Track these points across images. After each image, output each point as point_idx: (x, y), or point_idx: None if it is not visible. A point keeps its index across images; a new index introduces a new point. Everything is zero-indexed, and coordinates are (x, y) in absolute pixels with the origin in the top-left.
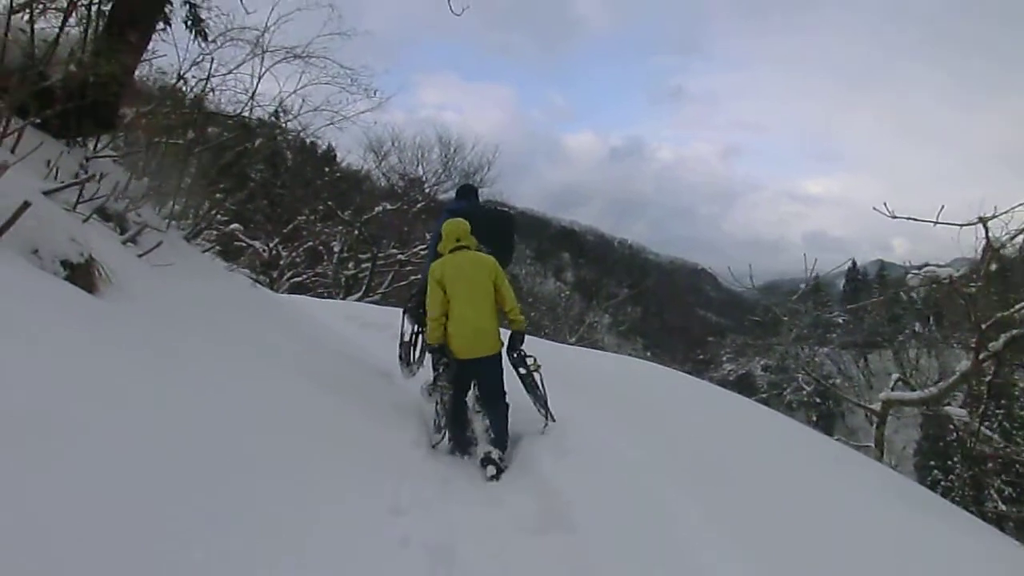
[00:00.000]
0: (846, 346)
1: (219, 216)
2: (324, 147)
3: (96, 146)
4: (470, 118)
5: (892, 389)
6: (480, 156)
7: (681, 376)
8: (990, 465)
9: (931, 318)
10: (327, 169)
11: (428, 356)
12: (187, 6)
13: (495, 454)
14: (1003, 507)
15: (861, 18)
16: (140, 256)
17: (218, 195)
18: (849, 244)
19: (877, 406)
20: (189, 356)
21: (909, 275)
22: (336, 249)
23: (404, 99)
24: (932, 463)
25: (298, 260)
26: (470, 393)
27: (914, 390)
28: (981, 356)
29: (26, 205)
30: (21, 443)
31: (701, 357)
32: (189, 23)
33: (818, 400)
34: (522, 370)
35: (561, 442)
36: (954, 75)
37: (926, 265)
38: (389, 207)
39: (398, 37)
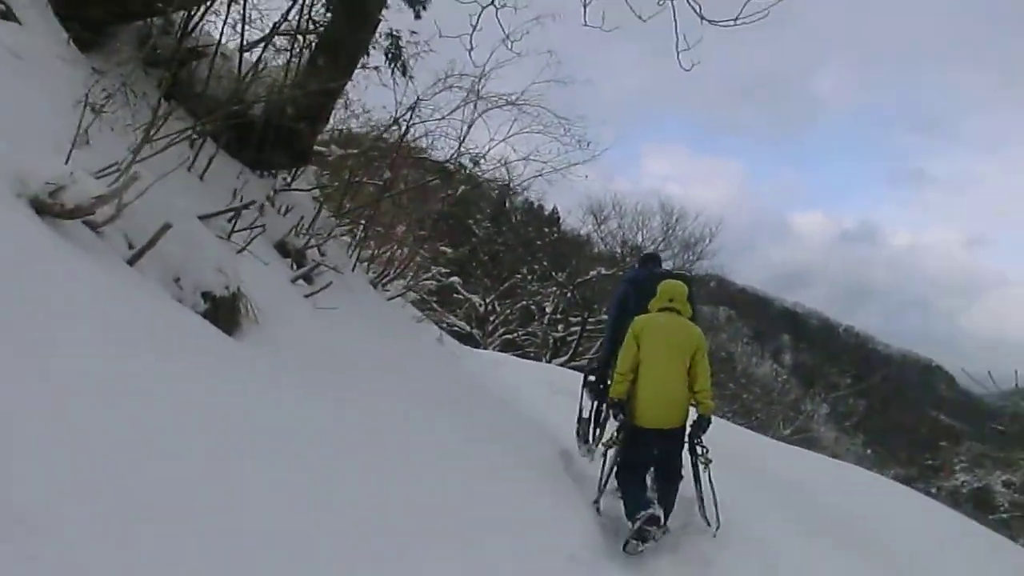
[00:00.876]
0: None
1: (434, 267)
2: (549, 209)
3: (292, 179)
4: (695, 191)
5: None
6: (702, 227)
7: (924, 500)
8: None
9: None
10: (547, 230)
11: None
12: (390, 38)
13: (659, 514)
14: None
15: None
16: (307, 296)
17: (436, 245)
18: None
19: None
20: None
21: None
22: (548, 310)
23: (629, 169)
24: None
25: (511, 317)
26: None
27: None
28: None
29: (167, 227)
30: None
31: (930, 462)
32: (389, 56)
33: None
34: (695, 459)
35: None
36: None
37: None
38: (604, 272)
39: (625, 106)
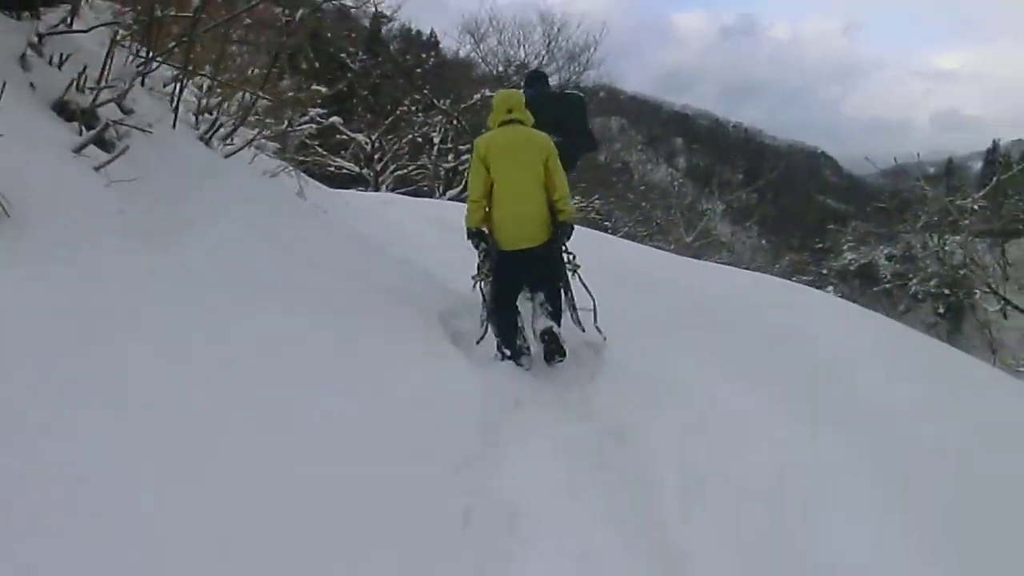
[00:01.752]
0: (981, 234)
1: (311, 109)
2: (427, 33)
3: (71, 18)
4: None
5: None
6: (586, 36)
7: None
8: None
9: None
10: (425, 55)
11: None
12: None
13: (555, 328)
14: None
15: None
16: (98, 169)
17: (308, 84)
18: (985, 123)
19: None
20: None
21: None
22: (436, 141)
23: None
24: None
25: (401, 152)
26: (523, 296)
27: None
28: None
29: None
30: None
31: (820, 245)
32: None
33: (946, 292)
34: (561, 269)
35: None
36: None
37: None
38: (489, 94)
39: None
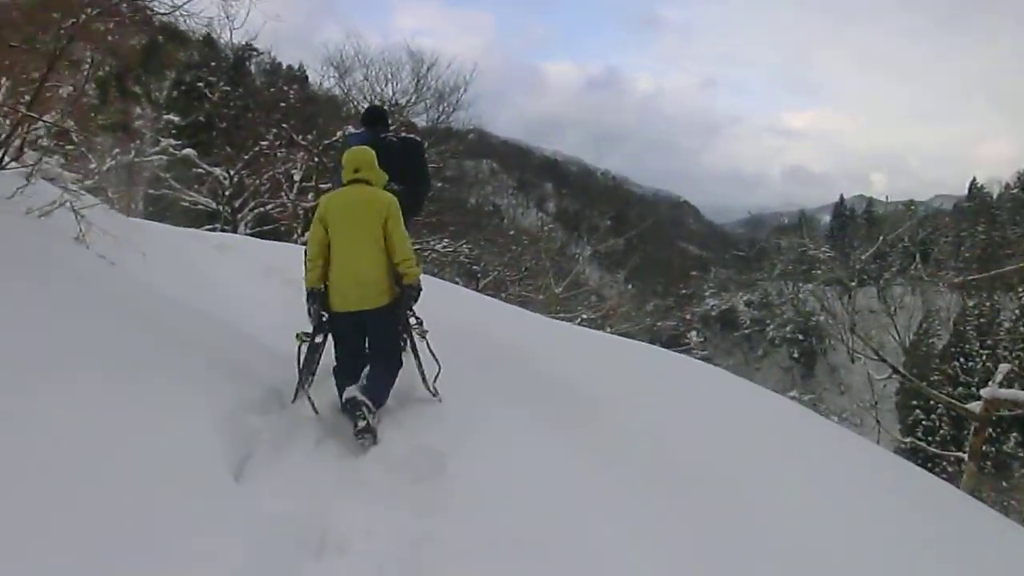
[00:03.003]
0: (831, 282)
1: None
2: (295, 67)
3: None
4: (447, 44)
5: (1000, 384)
6: (456, 76)
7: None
8: None
9: (917, 256)
10: (287, 89)
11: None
12: None
13: (360, 397)
14: None
15: None
16: None
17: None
18: (829, 179)
19: (976, 406)
20: None
21: None
22: (297, 178)
23: (378, 23)
24: (913, 403)
25: (262, 189)
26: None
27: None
28: None
29: None
30: None
31: (684, 291)
32: None
33: (800, 337)
34: (406, 335)
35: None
36: (925, 11)
37: None
38: (353, 130)
39: None
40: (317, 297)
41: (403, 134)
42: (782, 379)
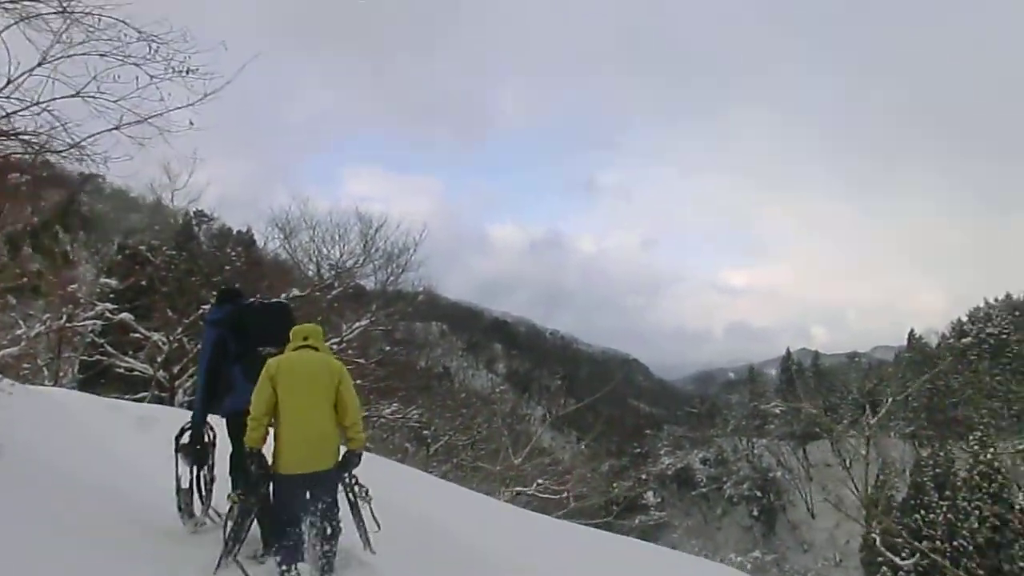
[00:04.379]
0: (784, 437)
1: (99, 303)
2: (244, 231)
3: None
4: (396, 208)
5: None
6: (405, 237)
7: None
8: None
9: (867, 407)
10: (233, 252)
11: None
12: None
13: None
14: None
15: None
16: None
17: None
18: (771, 333)
19: None
20: None
21: None
22: None
23: (327, 191)
24: (880, 560)
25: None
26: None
27: None
28: None
29: None
30: None
31: (638, 450)
32: None
33: (759, 494)
34: (351, 496)
35: None
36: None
37: None
38: (298, 293)
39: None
40: (261, 458)
41: (272, 300)
42: (743, 538)
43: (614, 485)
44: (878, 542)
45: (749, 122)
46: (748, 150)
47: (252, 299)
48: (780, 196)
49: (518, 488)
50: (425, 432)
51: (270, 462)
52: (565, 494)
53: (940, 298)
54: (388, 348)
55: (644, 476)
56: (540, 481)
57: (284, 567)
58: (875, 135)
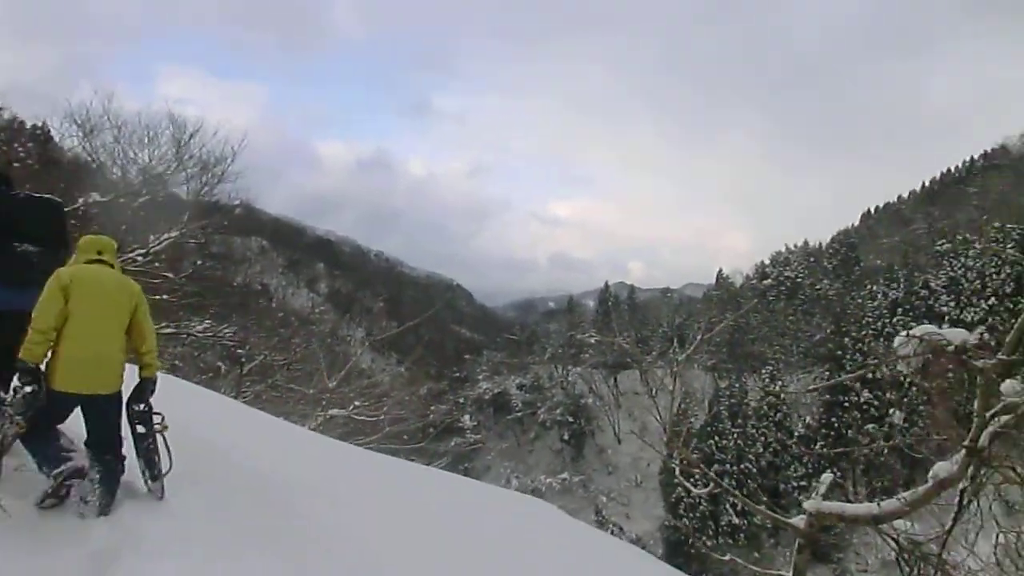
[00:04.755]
0: (598, 366)
1: None
2: (39, 126)
3: None
4: (215, 116)
5: (824, 496)
6: (222, 146)
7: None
8: None
9: (675, 341)
10: (21, 147)
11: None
12: None
13: (84, 462)
14: None
15: (592, 52)
16: None
17: None
18: (591, 265)
19: (800, 521)
20: None
21: (898, 340)
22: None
23: (139, 89)
24: (676, 482)
25: None
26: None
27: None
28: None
29: None
30: None
31: (457, 375)
32: None
33: (570, 419)
34: (141, 428)
35: None
36: (669, 116)
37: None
38: (100, 198)
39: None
40: (36, 374)
41: (42, 195)
42: (553, 461)
43: (432, 409)
44: (677, 472)
45: (580, 55)
46: (578, 86)
47: (18, 191)
48: (606, 132)
49: (333, 410)
50: (239, 351)
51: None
52: (382, 417)
53: (747, 240)
54: (201, 262)
55: (462, 400)
56: (357, 404)
57: (50, 465)
58: (698, 79)
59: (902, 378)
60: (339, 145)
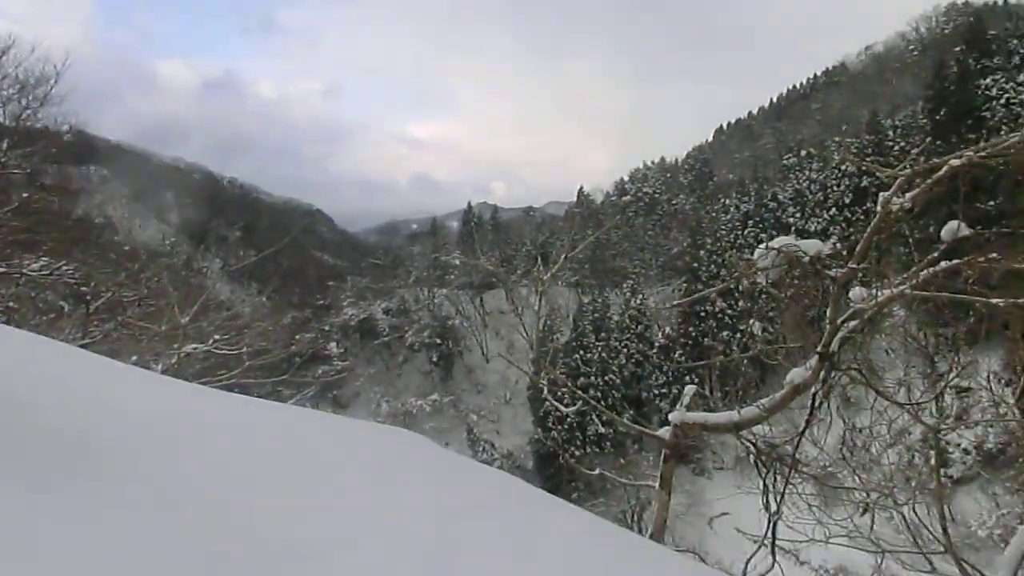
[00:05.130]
0: (463, 286)
1: None
2: None
3: None
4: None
5: (688, 407)
6: (43, 65)
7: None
8: None
9: (539, 259)
10: None
11: None
12: None
13: None
14: None
15: None
16: None
17: None
18: (454, 187)
19: (666, 432)
20: None
21: (758, 252)
22: None
23: None
24: (544, 395)
25: None
26: None
27: (710, 408)
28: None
29: None
30: None
31: (321, 302)
32: None
33: (438, 341)
34: None
35: None
36: (529, 35)
37: (780, 238)
38: None
39: None
40: None
41: None
42: (423, 383)
43: (296, 338)
44: (545, 392)
45: None
46: (435, 2)
47: None
48: (465, 52)
49: (189, 347)
50: (84, 289)
51: None
52: (244, 349)
53: (606, 157)
54: (28, 195)
55: (327, 328)
56: (216, 338)
57: None
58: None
59: (756, 289)
60: (181, 66)
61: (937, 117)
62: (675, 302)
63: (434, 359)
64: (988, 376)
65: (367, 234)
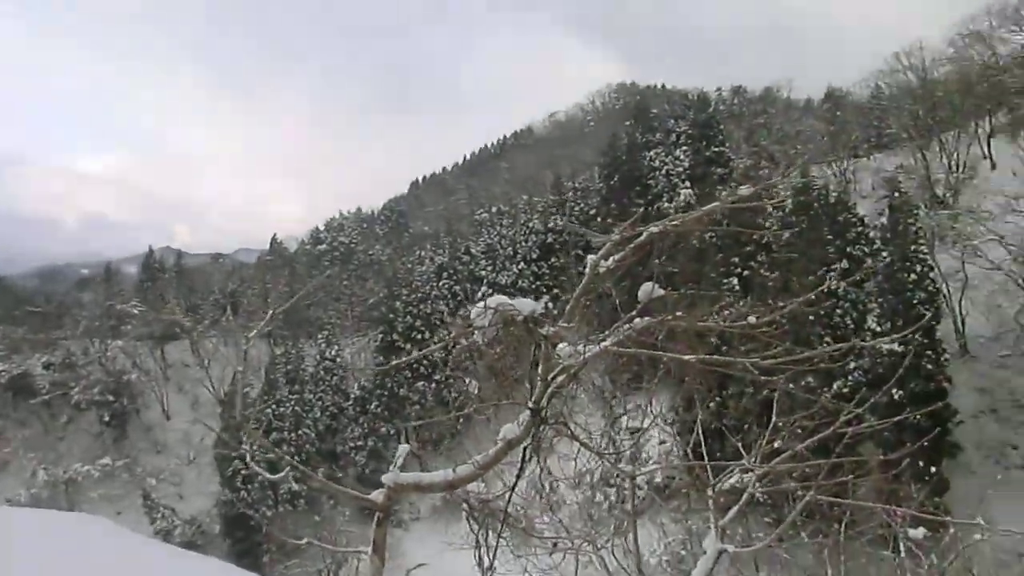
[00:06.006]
0: (142, 338)
1: None
2: None
3: None
4: None
5: (402, 468)
6: None
7: None
8: None
9: (228, 308)
10: None
11: None
12: None
13: None
14: None
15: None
16: None
17: None
18: (131, 228)
19: (379, 495)
20: None
21: (475, 311)
22: None
23: None
24: (233, 454)
25: None
26: None
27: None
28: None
29: None
30: None
31: None
32: None
33: (111, 398)
34: None
35: None
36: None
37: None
38: None
39: None
40: None
41: None
42: (92, 445)
43: None
44: (249, 459)
45: None
46: (114, 28)
47: None
48: (148, 83)
49: None
50: None
51: None
52: None
53: (301, 206)
54: None
55: None
56: None
57: None
58: (251, 39)
59: (472, 349)
60: None
61: (611, 182)
62: (395, 362)
63: (106, 418)
64: (656, 417)
65: (24, 278)
